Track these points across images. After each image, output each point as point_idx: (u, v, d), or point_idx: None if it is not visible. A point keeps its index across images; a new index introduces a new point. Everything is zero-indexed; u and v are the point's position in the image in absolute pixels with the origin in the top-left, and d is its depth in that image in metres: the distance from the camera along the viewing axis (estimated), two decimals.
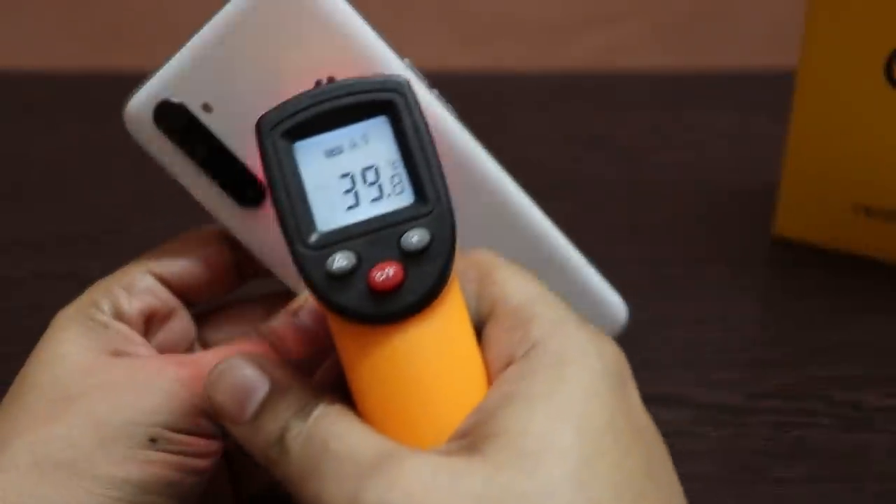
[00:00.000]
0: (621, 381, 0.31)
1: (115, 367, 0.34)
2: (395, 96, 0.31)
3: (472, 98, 0.71)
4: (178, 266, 0.37)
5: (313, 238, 0.30)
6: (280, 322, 0.35)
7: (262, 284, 0.40)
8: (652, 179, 0.64)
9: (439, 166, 0.31)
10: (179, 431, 0.33)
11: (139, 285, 0.37)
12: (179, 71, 0.36)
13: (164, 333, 0.37)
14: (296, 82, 0.37)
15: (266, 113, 0.30)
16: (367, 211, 0.31)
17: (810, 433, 0.47)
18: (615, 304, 0.42)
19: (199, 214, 0.41)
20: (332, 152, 0.31)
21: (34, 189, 0.63)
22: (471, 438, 0.29)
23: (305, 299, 0.35)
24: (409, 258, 0.30)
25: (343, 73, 0.37)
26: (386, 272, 0.29)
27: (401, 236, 0.30)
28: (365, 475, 0.28)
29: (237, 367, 0.31)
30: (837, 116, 0.54)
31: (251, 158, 0.37)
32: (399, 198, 0.31)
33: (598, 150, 0.67)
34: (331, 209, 0.30)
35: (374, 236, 0.30)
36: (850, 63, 0.52)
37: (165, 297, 0.37)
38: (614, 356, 0.31)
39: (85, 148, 0.67)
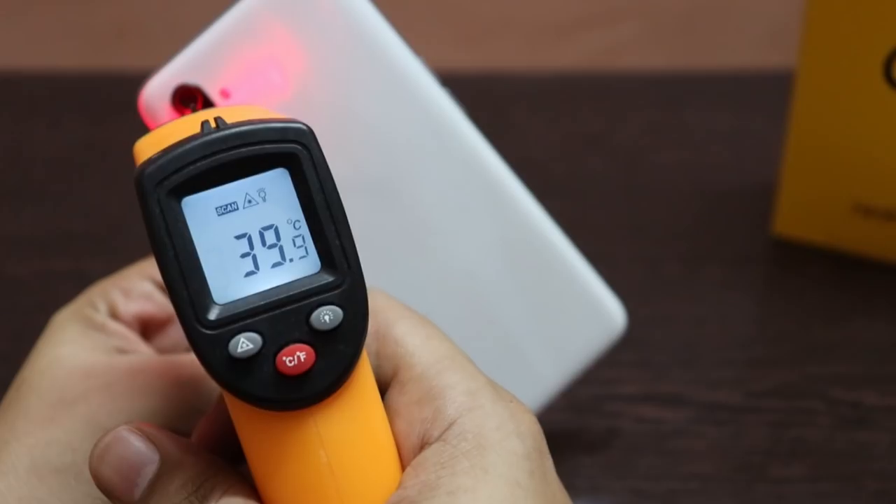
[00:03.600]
0: (540, 460, 0.29)
1: (113, 368, 0.34)
2: (296, 148, 0.27)
3: (471, 98, 0.71)
4: None
5: (211, 314, 0.26)
6: None
7: None
8: (651, 179, 0.64)
9: (347, 227, 0.27)
10: (177, 433, 0.32)
11: (137, 289, 0.36)
12: (200, 55, 0.37)
13: (161, 339, 0.37)
14: (312, 73, 0.37)
15: (147, 165, 0.26)
16: (269, 279, 0.27)
17: (809, 432, 0.47)
18: (614, 311, 0.42)
19: None
20: (225, 209, 0.27)
21: (36, 188, 0.63)
22: None
23: None
24: (320, 337, 0.27)
25: (358, 69, 0.37)
26: (296, 356, 0.26)
27: (310, 313, 0.27)
28: None
29: (124, 439, 0.28)
30: (837, 116, 0.54)
31: None
32: (303, 263, 0.27)
33: (597, 149, 0.67)
34: (226, 277, 0.27)
35: (279, 312, 0.26)
36: (849, 63, 0.52)
37: (164, 304, 0.37)
38: (531, 432, 0.29)
39: (87, 147, 0.67)
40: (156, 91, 0.37)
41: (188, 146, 0.26)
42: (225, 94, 0.37)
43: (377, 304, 0.30)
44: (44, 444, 0.32)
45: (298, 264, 0.27)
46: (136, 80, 0.38)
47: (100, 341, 0.35)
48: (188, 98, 0.36)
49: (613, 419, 0.48)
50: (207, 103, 0.37)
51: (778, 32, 0.76)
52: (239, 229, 0.27)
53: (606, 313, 0.42)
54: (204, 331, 0.26)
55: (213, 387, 0.34)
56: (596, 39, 0.91)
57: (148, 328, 0.37)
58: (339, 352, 0.27)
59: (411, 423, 0.29)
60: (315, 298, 0.27)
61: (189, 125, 0.28)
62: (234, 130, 0.27)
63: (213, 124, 0.27)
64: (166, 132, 0.28)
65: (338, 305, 0.27)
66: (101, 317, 0.35)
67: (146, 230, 0.26)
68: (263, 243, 0.27)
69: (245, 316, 0.26)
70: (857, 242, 0.57)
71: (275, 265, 0.27)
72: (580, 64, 0.88)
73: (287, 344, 0.26)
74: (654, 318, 0.53)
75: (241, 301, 0.27)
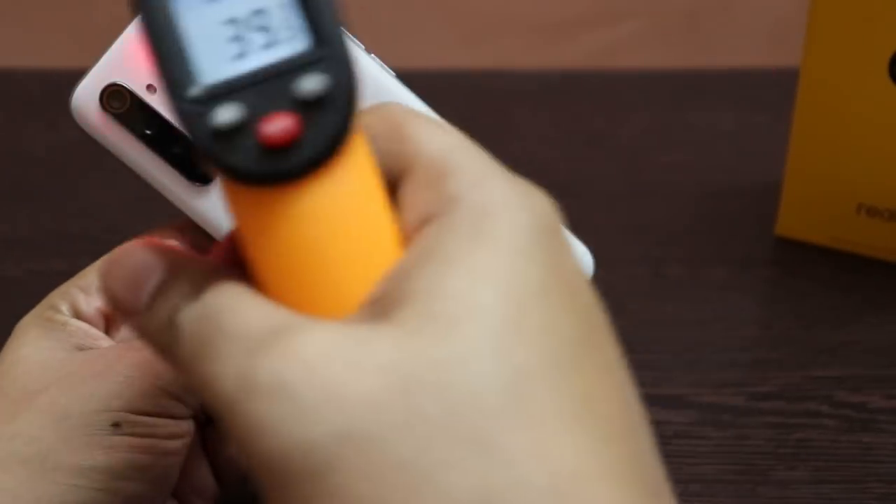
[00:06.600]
0: (551, 237, 0.27)
1: (73, 360, 0.35)
2: None
3: (472, 96, 0.71)
4: None
5: (194, 91, 0.26)
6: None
7: None
8: (653, 179, 0.64)
9: (337, 5, 0.27)
10: (142, 413, 0.34)
11: (96, 286, 0.37)
12: (122, 55, 0.38)
13: (126, 330, 0.38)
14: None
15: None
16: (257, 59, 0.27)
17: (813, 434, 0.47)
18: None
19: None
20: None
21: (33, 188, 0.63)
22: (380, 305, 0.26)
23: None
24: (306, 108, 0.26)
25: None
26: (278, 124, 0.26)
27: (295, 83, 0.26)
28: (258, 349, 0.25)
29: (131, 252, 0.28)
30: (841, 116, 0.53)
31: None
32: (293, 44, 0.27)
33: (599, 149, 0.66)
34: (215, 60, 0.27)
35: (264, 86, 0.26)
36: (853, 62, 0.52)
37: None
38: (543, 209, 0.28)
39: (84, 147, 0.66)
40: (85, 95, 0.39)
41: None
42: (152, 88, 0.38)
43: (390, 108, 0.29)
44: (8, 437, 0.33)
45: (288, 45, 0.27)
46: None
47: (59, 340, 0.36)
48: (117, 98, 0.38)
49: None
50: (137, 100, 0.38)
51: (781, 31, 0.75)
52: (228, 13, 0.27)
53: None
54: (186, 105, 0.26)
55: None
56: (598, 38, 0.91)
57: (110, 322, 0.38)
58: (327, 121, 0.26)
59: (415, 206, 0.27)
60: (301, 70, 0.26)
61: None
62: None
63: None
64: None
65: (322, 73, 0.26)
66: (63, 317, 0.36)
67: (134, 15, 0.26)
68: (253, 26, 0.27)
69: (229, 90, 0.26)
70: (862, 243, 0.56)
71: (264, 47, 0.27)
72: (582, 62, 0.88)
73: (270, 113, 0.26)
74: (656, 319, 0.53)
75: (227, 80, 0.27)
